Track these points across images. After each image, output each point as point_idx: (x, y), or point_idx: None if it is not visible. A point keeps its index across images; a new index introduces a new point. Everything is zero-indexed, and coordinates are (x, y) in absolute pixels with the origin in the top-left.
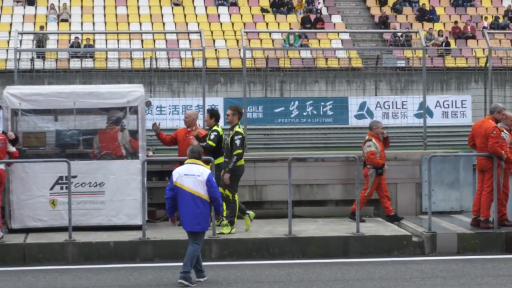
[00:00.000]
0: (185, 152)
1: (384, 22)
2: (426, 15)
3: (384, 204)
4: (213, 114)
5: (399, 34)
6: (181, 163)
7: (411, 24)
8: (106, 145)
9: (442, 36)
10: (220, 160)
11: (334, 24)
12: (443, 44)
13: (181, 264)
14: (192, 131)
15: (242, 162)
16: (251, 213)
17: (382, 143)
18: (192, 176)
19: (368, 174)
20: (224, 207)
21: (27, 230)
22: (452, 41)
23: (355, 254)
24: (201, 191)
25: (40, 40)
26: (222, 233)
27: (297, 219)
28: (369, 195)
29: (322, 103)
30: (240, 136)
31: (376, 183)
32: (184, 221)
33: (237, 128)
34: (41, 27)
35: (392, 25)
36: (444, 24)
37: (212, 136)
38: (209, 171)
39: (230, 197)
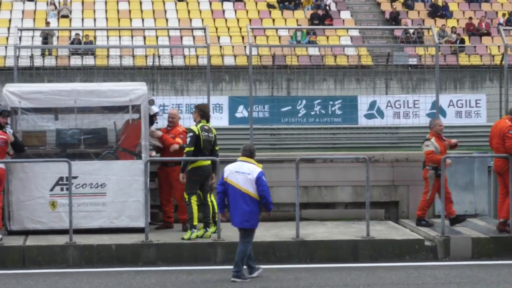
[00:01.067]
0: (168, 153)
1: (395, 18)
2: (439, 11)
3: (445, 206)
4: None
5: (411, 30)
6: (163, 164)
7: (423, 21)
8: (127, 139)
9: (455, 33)
10: (203, 162)
11: (343, 20)
12: (457, 41)
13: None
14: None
15: (204, 163)
16: (210, 230)
17: (443, 144)
18: (243, 174)
19: (428, 176)
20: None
21: (27, 232)
22: (466, 38)
23: (365, 258)
24: (251, 189)
25: (46, 37)
26: (183, 238)
27: (305, 222)
28: (431, 199)
29: (331, 102)
30: (191, 134)
31: (436, 185)
32: (233, 218)
33: (192, 126)
34: (48, 23)
35: (404, 22)
36: (457, 20)
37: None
38: (260, 170)
39: (186, 199)
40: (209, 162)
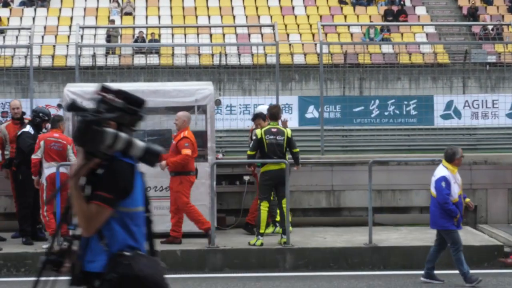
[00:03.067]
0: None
1: (473, 14)
2: None
3: None
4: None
5: (490, 27)
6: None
7: (503, 16)
8: None
9: None
10: (269, 167)
11: (419, 16)
12: None
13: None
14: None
15: (272, 167)
16: (276, 229)
17: None
18: (433, 176)
19: None
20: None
21: None
22: None
23: (442, 265)
24: (433, 191)
25: (109, 36)
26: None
27: (378, 227)
28: None
29: (405, 102)
30: (254, 137)
31: None
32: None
33: (258, 129)
34: (112, 21)
35: (482, 17)
36: None
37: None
38: (442, 174)
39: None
40: (279, 166)
